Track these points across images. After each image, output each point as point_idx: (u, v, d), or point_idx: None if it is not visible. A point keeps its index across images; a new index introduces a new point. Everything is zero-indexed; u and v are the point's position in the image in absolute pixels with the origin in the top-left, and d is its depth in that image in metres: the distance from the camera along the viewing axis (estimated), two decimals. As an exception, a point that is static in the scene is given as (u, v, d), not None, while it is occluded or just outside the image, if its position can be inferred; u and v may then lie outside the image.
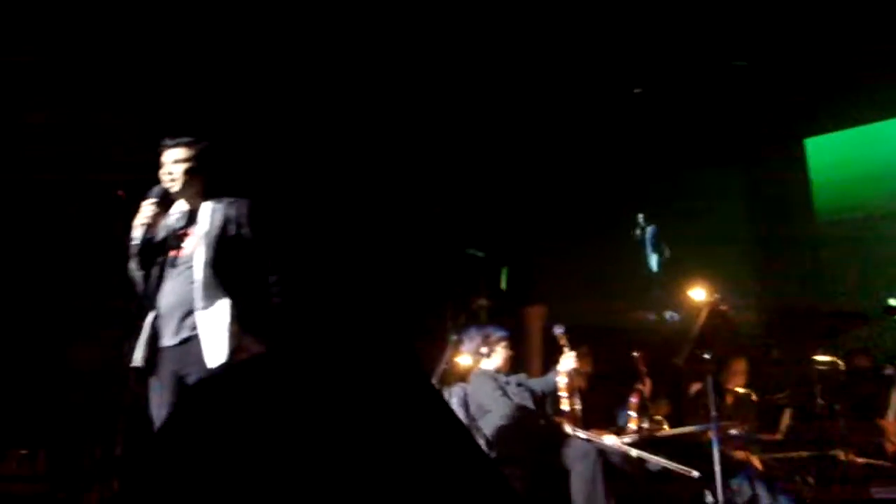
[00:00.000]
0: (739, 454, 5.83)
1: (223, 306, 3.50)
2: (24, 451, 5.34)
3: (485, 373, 5.36)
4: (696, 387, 6.20)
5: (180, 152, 3.74)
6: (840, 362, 5.75)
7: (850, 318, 5.58)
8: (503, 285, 8.22)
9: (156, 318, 3.62)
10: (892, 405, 5.78)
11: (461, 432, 2.23)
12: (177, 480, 1.81)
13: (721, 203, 8.04)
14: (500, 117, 7.19)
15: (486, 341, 5.42)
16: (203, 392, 2.20)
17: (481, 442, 4.98)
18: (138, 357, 3.60)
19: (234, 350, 3.45)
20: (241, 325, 3.50)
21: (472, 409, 5.22)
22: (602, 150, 7.81)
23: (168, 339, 3.60)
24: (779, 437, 6.19)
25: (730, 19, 6.50)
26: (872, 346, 6.45)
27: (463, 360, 6.19)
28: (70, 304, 5.82)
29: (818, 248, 8.25)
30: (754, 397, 6.28)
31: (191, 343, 3.53)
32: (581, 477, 4.63)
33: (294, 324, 3.59)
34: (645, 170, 7.96)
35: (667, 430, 5.92)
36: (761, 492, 5.30)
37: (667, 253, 6.65)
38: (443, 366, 6.06)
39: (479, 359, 5.43)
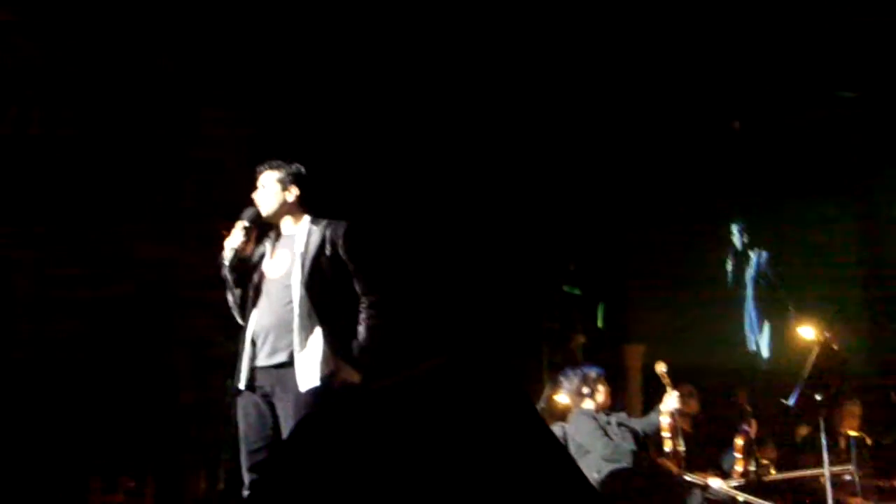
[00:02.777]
0: (855, 501, 5.55)
1: (318, 329, 3.51)
2: (132, 483, 5.47)
3: (585, 412, 5.25)
4: (805, 430, 5.95)
5: (273, 175, 3.79)
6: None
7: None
8: (600, 323, 8.11)
9: (252, 338, 3.62)
10: None
11: (571, 465, 2.18)
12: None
13: (830, 235, 7.73)
14: (596, 151, 7.14)
15: (585, 381, 5.32)
16: (312, 422, 2.22)
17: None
18: (241, 378, 3.60)
19: (328, 375, 3.44)
20: (334, 349, 3.49)
21: (573, 448, 5.12)
22: (703, 182, 7.65)
23: (263, 360, 3.59)
24: (896, 483, 5.87)
25: (837, 50, 6.36)
26: None
27: (561, 398, 6.11)
28: (179, 336, 5.97)
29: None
30: (869, 441, 5.98)
31: (286, 367, 3.52)
32: (689, 521, 4.48)
33: (390, 348, 3.57)
34: (747, 201, 7.76)
35: (775, 474, 5.70)
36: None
37: (780, 292, 6.36)
38: (541, 405, 5.99)
39: (580, 399, 5.33)
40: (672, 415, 5.12)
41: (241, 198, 3.84)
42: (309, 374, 3.45)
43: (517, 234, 7.34)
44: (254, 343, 3.61)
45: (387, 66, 6.18)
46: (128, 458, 5.61)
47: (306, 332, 3.50)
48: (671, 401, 5.11)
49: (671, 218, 7.98)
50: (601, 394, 5.25)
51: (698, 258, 8.17)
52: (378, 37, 6.03)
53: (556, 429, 5.34)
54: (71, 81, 5.72)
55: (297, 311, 3.53)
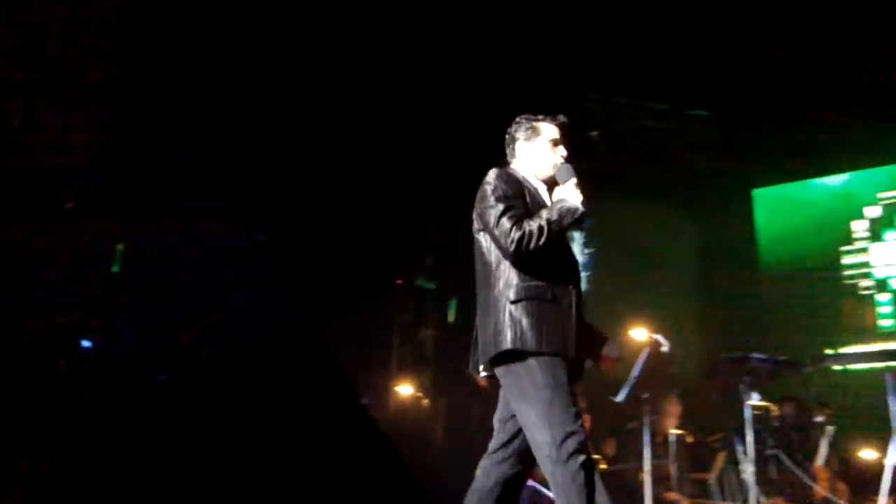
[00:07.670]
0: (671, 496, 5.91)
1: None
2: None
3: None
4: (633, 425, 6.27)
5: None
6: (773, 408, 5.87)
7: (783, 366, 5.67)
8: (451, 317, 8.23)
9: None
10: (822, 451, 5.89)
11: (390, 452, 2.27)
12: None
13: (668, 245, 8.08)
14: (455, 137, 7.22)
15: None
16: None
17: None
18: None
19: None
20: None
21: None
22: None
23: None
24: (711, 479, 6.27)
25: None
26: (805, 392, 6.56)
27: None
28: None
29: (762, 297, 8.38)
30: (689, 439, 6.36)
31: None
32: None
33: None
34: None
35: (605, 467, 5.99)
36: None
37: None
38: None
39: None
40: None
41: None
42: None
43: (379, 224, 7.38)
44: None
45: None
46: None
47: None
48: None
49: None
50: None
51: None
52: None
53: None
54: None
55: None
